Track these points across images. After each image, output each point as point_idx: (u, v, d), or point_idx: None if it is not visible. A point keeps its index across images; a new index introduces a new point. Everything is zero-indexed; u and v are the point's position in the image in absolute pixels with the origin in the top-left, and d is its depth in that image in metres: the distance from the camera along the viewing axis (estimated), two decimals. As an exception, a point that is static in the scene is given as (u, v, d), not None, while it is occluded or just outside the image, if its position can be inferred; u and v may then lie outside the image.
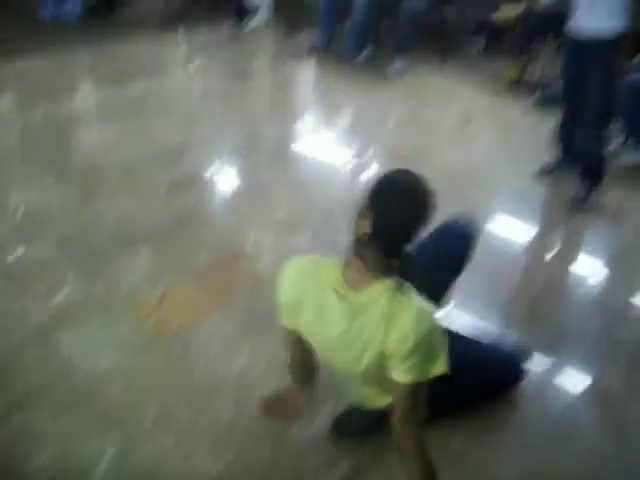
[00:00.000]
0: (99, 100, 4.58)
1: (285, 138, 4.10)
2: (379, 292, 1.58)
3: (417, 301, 1.58)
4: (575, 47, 3.24)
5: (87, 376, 2.15)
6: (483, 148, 4.00)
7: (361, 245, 1.59)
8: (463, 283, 2.22)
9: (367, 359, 1.62)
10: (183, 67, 5.31)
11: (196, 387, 2.13)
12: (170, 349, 2.29)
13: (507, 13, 5.13)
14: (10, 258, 2.74)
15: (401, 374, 1.57)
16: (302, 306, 1.69)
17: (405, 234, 1.59)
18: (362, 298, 1.60)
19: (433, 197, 1.59)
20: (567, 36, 3.28)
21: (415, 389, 1.57)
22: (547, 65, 5.00)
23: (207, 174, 3.57)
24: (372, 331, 1.58)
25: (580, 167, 3.43)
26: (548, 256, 3.13)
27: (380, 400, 1.81)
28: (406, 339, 1.52)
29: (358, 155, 3.80)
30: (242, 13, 6.20)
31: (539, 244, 3.20)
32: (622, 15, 3.03)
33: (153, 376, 2.17)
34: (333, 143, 4.03)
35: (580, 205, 3.38)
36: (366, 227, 1.56)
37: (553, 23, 3.72)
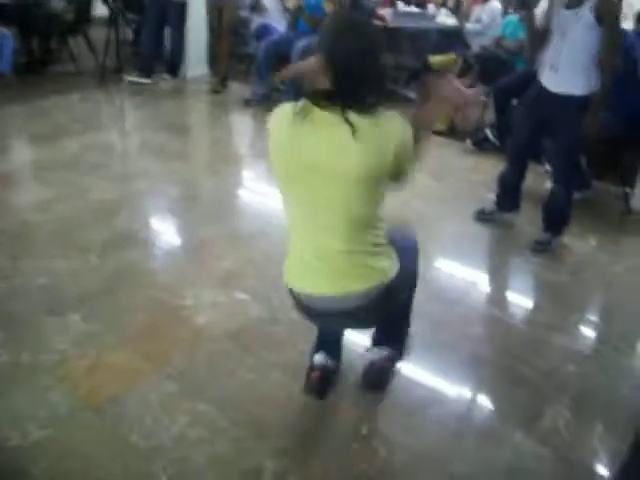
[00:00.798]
0: (32, 157, 4.49)
1: (223, 192, 4.07)
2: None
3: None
4: (541, 102, 3.33)
5: (14, 450, 2.02)
6: (421, 191, 4.04)
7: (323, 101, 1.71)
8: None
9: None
10: (118, 122, 5.26)
11: (133, 455, 2.03)
12: (104, 416, 2.18)
13: (443, 58, 5.29)
14: None
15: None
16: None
17: (366, 83, 1.72)
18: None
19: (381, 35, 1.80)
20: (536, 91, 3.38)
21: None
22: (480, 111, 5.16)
23: (143, 231, 3.49)
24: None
25: (546, 216, 3.53)
26: (489, 298, 3.17)
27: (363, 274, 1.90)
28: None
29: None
30: (172, 70, 6.24)
31: (480, 286, 3.23)
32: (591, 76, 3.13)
33: (87, 447, 2.05)
34: (271, 197, 4.01)
35: (542, 248, 3.48)
36: (326, 83, 1.71)
37: (522, 88, 3.71)
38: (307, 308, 2.03)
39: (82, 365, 2.41)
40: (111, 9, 6.19)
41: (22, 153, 4.62)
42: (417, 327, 2.47)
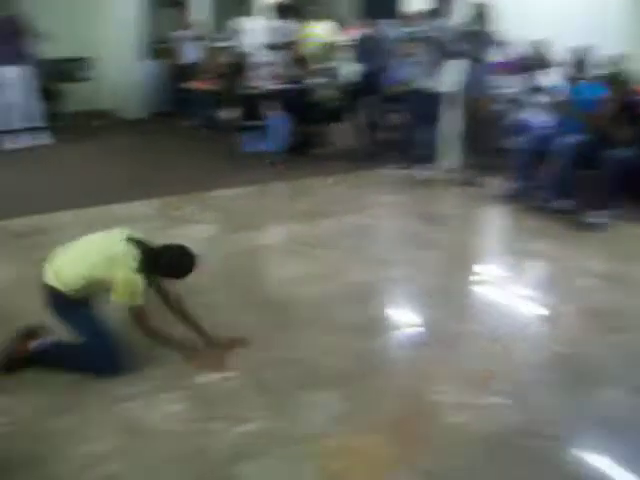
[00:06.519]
0: (293, 232, 4.78)
1: (474, 288, 3.97)
2: None
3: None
4: None
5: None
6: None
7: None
8: None
9: None
10: (372, 207, 5.44)
11: None
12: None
13: None
14: (200, 380, 2.82)
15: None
16: None
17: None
18: None
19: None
20: None
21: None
22: None
23: (393, 319, 3.50)
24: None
25: None
26: None
27: None
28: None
29: (551, 310, 3.56)
30: (421, 160, 6.37)
31: None
32: None
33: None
34: (525, 296, 3.81)
35: None
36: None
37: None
38: None
39: (333, 444, 2.44)
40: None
41: (284, 228, 4.95)
42: None
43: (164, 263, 2.86)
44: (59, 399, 2.70)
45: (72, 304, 2.87)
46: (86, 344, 2.86)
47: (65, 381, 2.81)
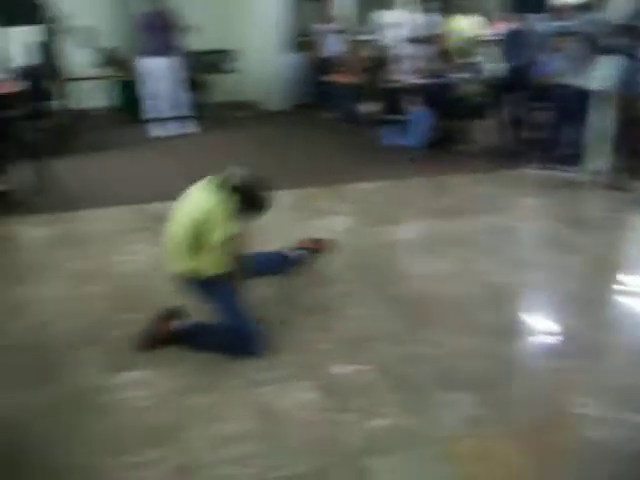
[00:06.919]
0: (430, 229, 4.77)
1: (618, 297, 3.79)
2: None
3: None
4: None
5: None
6: None
7: None
8: None
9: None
10: (511, 208, 5.32)
11: None
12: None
13: None
14: (334, 371, 2.90)
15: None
16: None
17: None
18: None
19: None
20: None
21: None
22: None
23: (532, 325, 3.43)
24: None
25: None
26: None
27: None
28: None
29: None
30: (566, 160, 6.13)
31: None
32: None
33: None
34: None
35: None
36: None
37: None
38: None
39: (469, 447, 2.44)
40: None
41: (421, 224, 4.96)
42: None
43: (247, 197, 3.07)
44: (196, 378, 2.87)
45: (212, 284, 3.07)
46: (228, 325, 3.04)
47: (203, 360, 2.99)
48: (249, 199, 3.08)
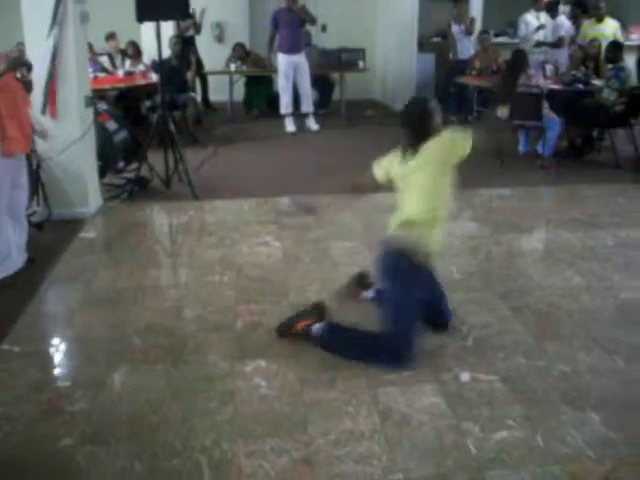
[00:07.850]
0: (559, 240, 4.58)
1: None
2: None
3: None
4: None
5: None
6: None
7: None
8: None
9: None
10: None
11: None
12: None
13: None
14: (459, 377, 2.86)
15: None
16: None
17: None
18: None
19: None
20: None
21: None
22: None
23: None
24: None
25: None
26: None
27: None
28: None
29: None
30: None
31: None
32: None
33: None
34: None
35: None
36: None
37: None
38: None
39: (594, 469, 2.30)
40: None
41: (549, 234, 4.78)
42: None
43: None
44: (320, 372, 2.88)
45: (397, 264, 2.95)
46: (387, 333, 2.89)
47: (328, 355, 2.99)
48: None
